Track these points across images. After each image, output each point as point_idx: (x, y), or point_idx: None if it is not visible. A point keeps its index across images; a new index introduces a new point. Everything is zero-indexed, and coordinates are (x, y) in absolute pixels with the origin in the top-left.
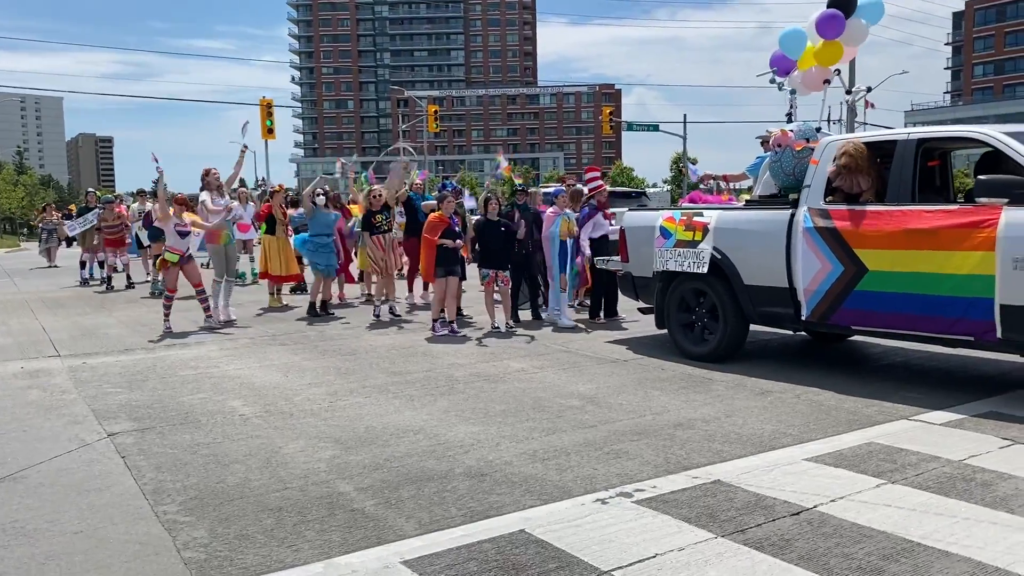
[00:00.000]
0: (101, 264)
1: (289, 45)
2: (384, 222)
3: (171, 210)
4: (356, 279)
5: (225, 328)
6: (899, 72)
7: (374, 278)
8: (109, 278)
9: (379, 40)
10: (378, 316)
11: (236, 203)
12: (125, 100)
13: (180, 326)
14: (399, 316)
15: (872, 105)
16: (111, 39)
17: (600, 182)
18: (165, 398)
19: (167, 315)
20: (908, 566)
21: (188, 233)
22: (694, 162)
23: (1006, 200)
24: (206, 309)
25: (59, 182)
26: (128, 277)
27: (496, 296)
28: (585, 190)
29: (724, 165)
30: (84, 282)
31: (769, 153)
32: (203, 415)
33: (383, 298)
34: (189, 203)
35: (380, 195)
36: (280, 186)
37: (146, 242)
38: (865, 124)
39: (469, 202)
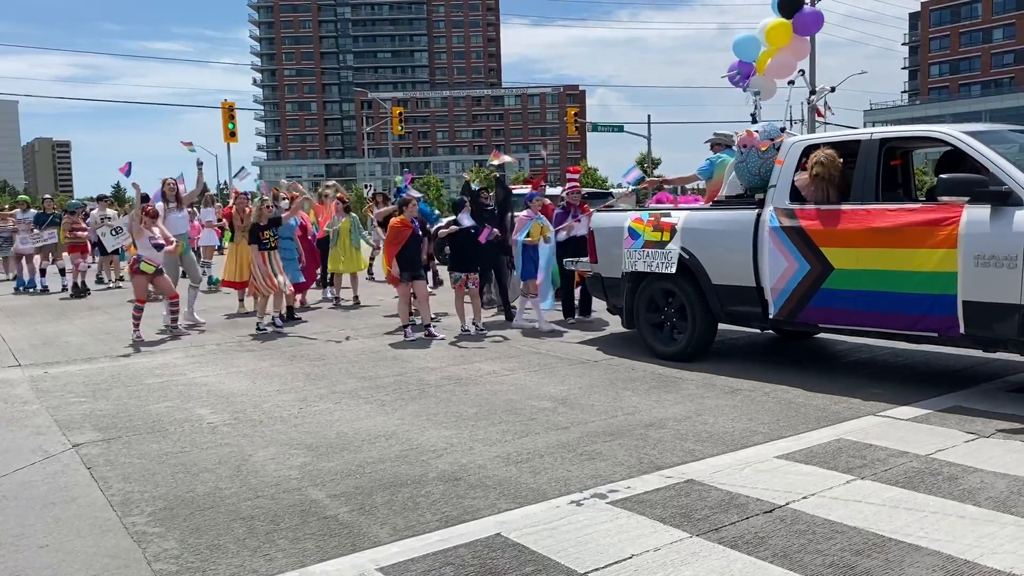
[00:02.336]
0: (62, 272)
1: (250, 47)
2: (272, 238)
3: (142, 223)
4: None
5: (187, 334)
6: (858, 72)
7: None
8: (75, 285)
9: (341, 41)
10: (263, 330)
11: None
12: (82, 104)
13: (144, 334)
14: (280, 328)
15: (832, 111)
16: (64, 41)
17: (575, 183)
18: (131, 407)
19: (137, 325)
20: (880, 561)
21: (162, 246)
22: (649, 164)
23: (967, 198)
24: (175, 320)
25: (15, 188)
26: (82, 284)
27: (466, 299)
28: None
29: (689, 165)
30: (44, 289)
31: (719, 154)
32: (170, 424)
33: (267, 313)
34: (157, 214)
35: (269, 207)
36: (235, 191)
37: (110, 248)
38: (826, 124)
39: (466, 220)
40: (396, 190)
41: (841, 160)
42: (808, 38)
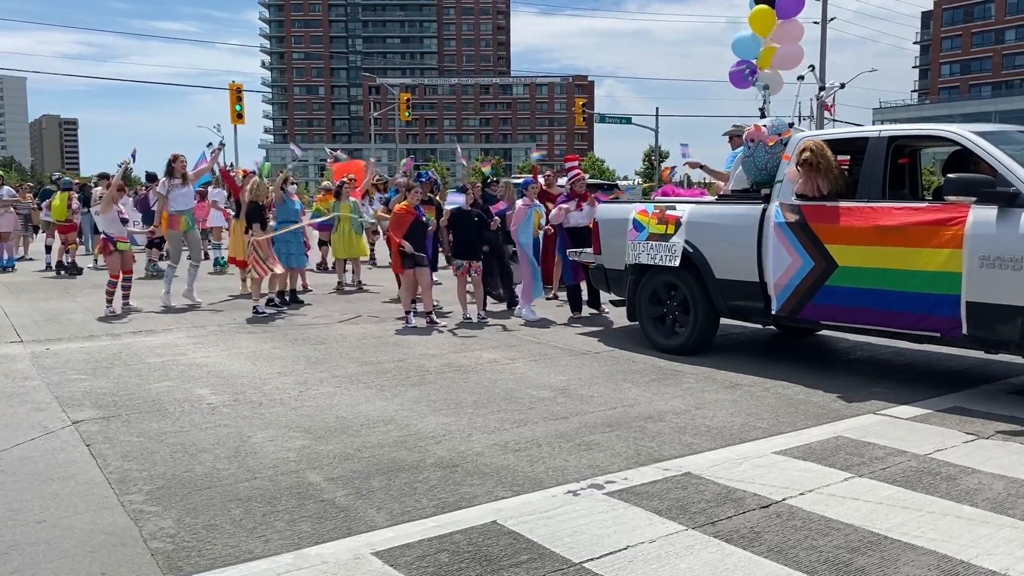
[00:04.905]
0: (48, 249)
1: (259, 29)
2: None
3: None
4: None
5: (139, 310)
6: (868, 70)
7: (252, 275)
8: (74, 264)
9: (351, 26)
10: (260, 313)
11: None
12: (89, 82)
13: (140, 313)
14: (282, 310)
15: (830, 109)
16: (70, 19)
17: (578, 171)
18: (131, 385)
19: (110, 300)
20: (875, 559)
21: (127, 220)
22: (656, 157)
23: (974, 199)
24: (126, 296)
25: (21, 164)
26: (70, 263)
27: (468, 287)
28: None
29: (697, 158)
30: (48, 267)
31: (740, 148)
32: (170, 403)
33: (263, 294)
34: (125, 188)
35: (267, 188)
36: (243, 171)
37: (102, 229)
38: (834, 121)
39: (458, 198)
40: (417, 175)
41: (828, 150)
42: (800, 21)
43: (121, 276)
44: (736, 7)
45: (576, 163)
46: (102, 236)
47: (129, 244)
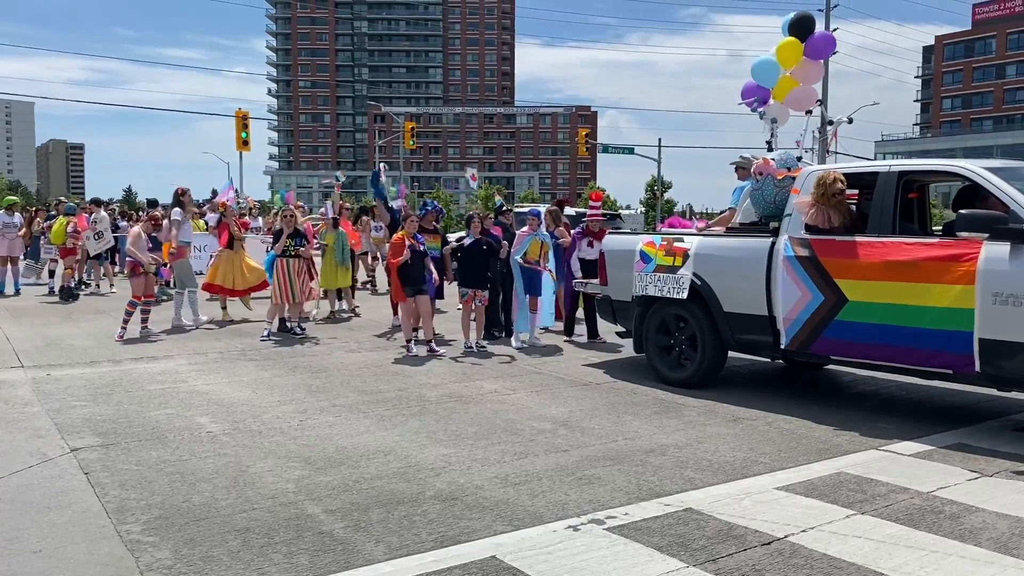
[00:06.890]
0: (51, 273)
1: (266, 57)
2: (292, 247)
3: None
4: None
5: (179, 334)
6: (870, 103)
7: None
8: (68, 287)
9: (357, 55)
10: (266, 338)
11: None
12: (97, 107)
13: (136, 336)
14: (303, 331)
15: (828, 148)
16: (78, 45)
17: (596, 210)
18: (131, 413)
19: (127, 320)
20: None
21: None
22: (659, 188)
23: (986, 235)
24: (145, 320)
25: (27, 188)
26: (76, 285)
27: (472, 316)
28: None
29: (699, 191)
30: (51, 291)
31: (747, 181)
32: (170, 431)
33: (279, 319)
34: (158, 219)
35: (293, 215)
36: (223, 203)
37: (92, 252)
38: (836, 154)
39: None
40: (423, 204)
41: (840, 185)
42: (820, 62)
43: (144, 299)
44: (737, 40)
45: (599, 201)
46: (129, 258)
47: (156, 267)
